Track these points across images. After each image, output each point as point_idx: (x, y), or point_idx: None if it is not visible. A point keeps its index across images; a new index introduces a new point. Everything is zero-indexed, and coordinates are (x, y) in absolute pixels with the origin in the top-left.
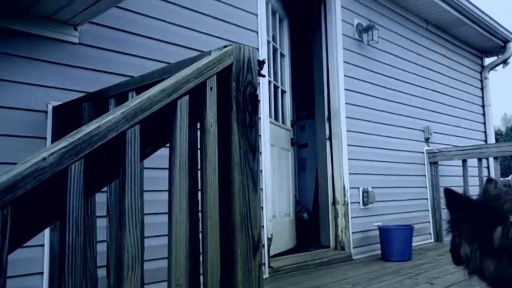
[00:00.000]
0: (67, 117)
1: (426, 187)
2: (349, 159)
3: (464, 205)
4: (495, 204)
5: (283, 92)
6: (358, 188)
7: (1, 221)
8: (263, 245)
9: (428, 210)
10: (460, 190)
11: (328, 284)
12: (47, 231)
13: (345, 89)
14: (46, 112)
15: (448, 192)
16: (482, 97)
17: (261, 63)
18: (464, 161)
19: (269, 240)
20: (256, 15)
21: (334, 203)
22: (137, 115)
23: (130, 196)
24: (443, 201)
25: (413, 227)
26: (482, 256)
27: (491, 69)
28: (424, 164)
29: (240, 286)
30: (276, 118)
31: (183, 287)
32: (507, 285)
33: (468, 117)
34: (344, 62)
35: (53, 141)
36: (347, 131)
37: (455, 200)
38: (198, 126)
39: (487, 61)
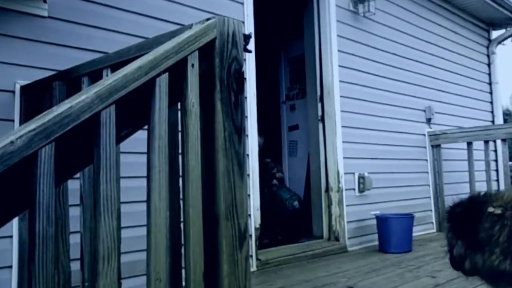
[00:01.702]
0: (36, 97)
1: (427, 172)
2: (343, 142)
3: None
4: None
5: None
6: (354, 173)
7: None
8: (250, 236)
9: (430, 197)
10: (464, 175)
11: (321, 277)
12: (15, 221)
13: (339, 66)
14: (13, 92)
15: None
16: (489, 74)
17: (247, 38)
18: (469, 143)
19: (257, 230)
20: None
21: (327, 190)
22: (112, 95)
23: (105, 182)
24: (446, 188)
25: (413, 215)
26: (472, 252)
27: (499, 43)
28: (425, 147)
29: (226, 280)
30: None
31: (163, 282)
32: (497, 277)
33: (474, 96)
34: (338, 36)
35: (21, 123)
36: (342, 111)
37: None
38: (179, 107)
39: (495, 34)
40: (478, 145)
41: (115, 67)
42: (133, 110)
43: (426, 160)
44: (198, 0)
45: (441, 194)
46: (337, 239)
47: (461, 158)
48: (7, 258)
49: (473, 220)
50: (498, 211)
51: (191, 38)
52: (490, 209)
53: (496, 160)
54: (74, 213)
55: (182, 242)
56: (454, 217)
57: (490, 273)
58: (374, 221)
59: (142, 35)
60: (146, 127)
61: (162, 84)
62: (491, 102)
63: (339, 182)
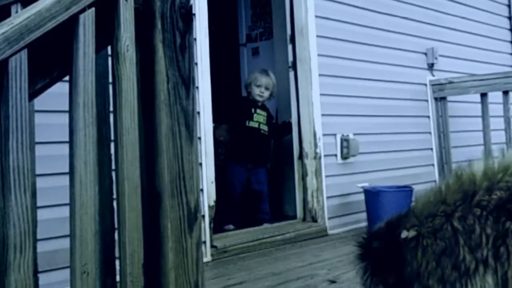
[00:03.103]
0: None
1: (430, 133)
2: (321, 94)
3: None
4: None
5: None
6: (335, 135)
7: None
8: (203, 216)
9: (433, 165)
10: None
11: (293, 269)
12: None
13: None
14: None
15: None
16: (509, 6)
17: None
18: (484, 95)
19: (211, 209)
20: None
21: (301, 157)
22: (23, 37)
23: (16, 150)
24: (454, 152)
25: (412, 188)
26: None
27: None
28: (427, 100)
29: (171, 274)
30: None
31: (92, 275)
32: None
33: (489, 34)
34: None
35: None
36: (319, 55)
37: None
38: (110, 52)
39: None
40: (495, 96)
41: (26, 2)
42: (51, 56)
43: (428, 117)
44: None
45: (447, 161)
46: (314, 219)
47: (473, 114)
48: None
49: (394, 255)
50: (412, 233)
51: None
52: (403, 235)
53: None
54: None
55: (116, 225)
56: (372, 254)
57: None
58: (362, 196)
59: None
60: (67, 78)
61: (88, 22)
62: None
63: (316, 146)
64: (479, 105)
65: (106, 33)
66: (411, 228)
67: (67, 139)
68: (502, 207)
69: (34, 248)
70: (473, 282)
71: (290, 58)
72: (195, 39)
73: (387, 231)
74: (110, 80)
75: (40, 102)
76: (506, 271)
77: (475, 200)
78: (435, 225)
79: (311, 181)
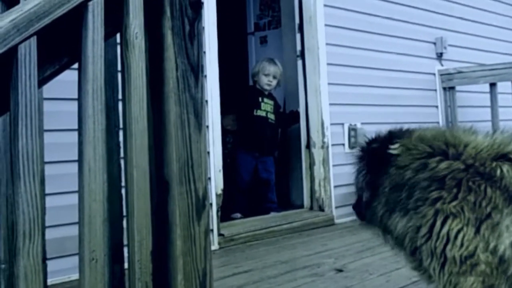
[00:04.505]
0: None
1: (438, 123)
2: (329, 84)
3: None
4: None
5: None
6: (343, 124)
7: None
8: (211, 204)
9: None
10: (486, 126)
11: (300, 258)
12: None
13: None
14: None
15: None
16: None
17: None
18: (493, 85)
19: (219, 197)
20: None
21: (308, 146)
22: (33, 24)
23: (25, 136)
24: None
25: None
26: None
27: None
28: (435, 90)
29: (179, 261)
30: None
31: (100, 262)
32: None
33: (499, 23)
34: None
35: None
36: (327, 44)
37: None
38: (118, 39)
39: None
40: (505, 86)
41: None
42: (60, 43)
43: (437, 106)
44: None
45: None
46: (321, 208)
47: (481, 104)
48: None
49: (382, 156)
50: (396, 151)
51: None
52: (391, 148)
53: None
54: None
55: (124, 212)
56: (369, 152)
57: (382, 226)
58: None
59: None
60: (76, 66)
61: (97, 9)
62: None
63: (323, 135)
64: (488, 95)
65: (115, 20)
66: (398, 148)
67: (76, 126)
68: (442, 178)
69: (43, 234)
70: (394, 216)
71: (298, 47)
72: (203, 28)
73: (387, 138)
74: (119, 68)
75: (49, 89)
76: (418, 227)
77: (432, 162)
78: (406, 159)
79: (318, 170)
